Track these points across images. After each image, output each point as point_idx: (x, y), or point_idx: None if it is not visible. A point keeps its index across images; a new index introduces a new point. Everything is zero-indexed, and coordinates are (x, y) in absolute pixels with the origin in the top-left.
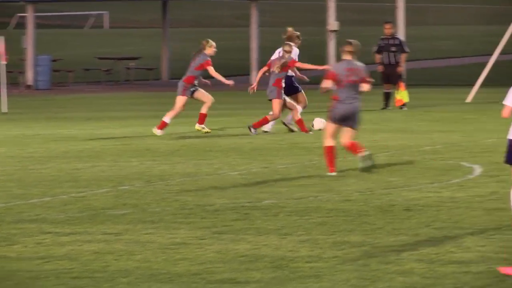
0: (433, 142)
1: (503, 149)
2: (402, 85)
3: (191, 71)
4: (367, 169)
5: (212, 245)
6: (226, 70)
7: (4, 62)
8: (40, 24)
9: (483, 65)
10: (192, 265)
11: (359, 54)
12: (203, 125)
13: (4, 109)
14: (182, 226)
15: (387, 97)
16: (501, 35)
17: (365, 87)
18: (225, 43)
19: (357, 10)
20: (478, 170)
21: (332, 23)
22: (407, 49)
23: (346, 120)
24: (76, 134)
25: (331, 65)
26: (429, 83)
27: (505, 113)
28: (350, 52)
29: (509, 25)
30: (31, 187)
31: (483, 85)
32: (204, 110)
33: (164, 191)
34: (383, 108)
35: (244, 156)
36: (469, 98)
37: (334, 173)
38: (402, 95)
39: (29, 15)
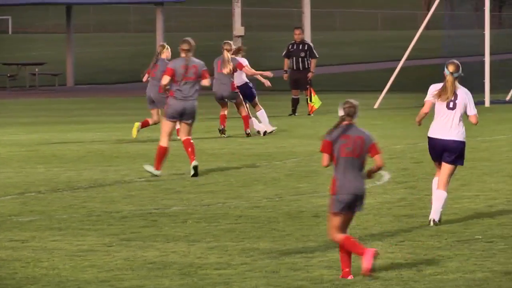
0: None
1: (411, 155)
2: (312, 90)
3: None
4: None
5: (120, 252)
6: (132, 75)
7: None
8: None
9: (391, 70)
10: (100, 272)
11: (196, 52)
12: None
13: None
14: (89, 233)
15: (295, 103)
16: (409, 40)
17: (205, 82)
18: (131, 48)
19: (264, 16)
20: (386, 176)
21: (238, 28)
22: (316, 55)
23: (183, 115)
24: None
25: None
26: (337, 88)
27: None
28: (186, 50)
29: (416, 30)
30: None
31: (390, 90)
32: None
33: (71, 198)
34: (291, 114)
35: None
36: (377, 104)
37: (159, 171)
38: (314, 100)
39: None
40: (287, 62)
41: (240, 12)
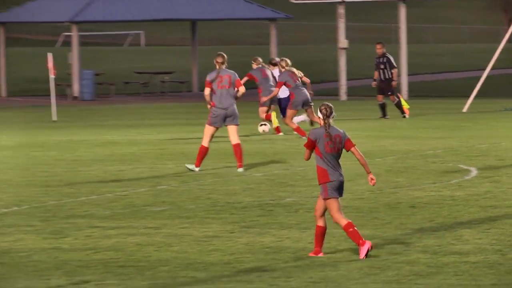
0: (434, 147)
1: (495, 153)
2: (398, 96)
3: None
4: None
5: (240, 238)
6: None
7: (53, 76)
8: (84, 42)
9: (477, 78)
10: (223, 255)
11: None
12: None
13: (54, 117)
14: (214, 221)
15: (382, 107)
16: (492, 52)
17: (241, 89)
18: (247, 59)
19: (364, 30)
20: (474, 172)
21: (343, 41)
22: (394, 65)
23: (227, 120)
24: (119, 140)
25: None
26: (429, 94)
27: None
28: (221, 63)
29: (499, 43)
30: (80, 186)
31: (477, 96)
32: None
33: (198, 190)
34: (382, 117)
35: (267, 158)
36: (465, 108)
37: (198, 168)
38: (404, 104)
39: (74, 34)
40: (376, 73)
41: (344, 27)
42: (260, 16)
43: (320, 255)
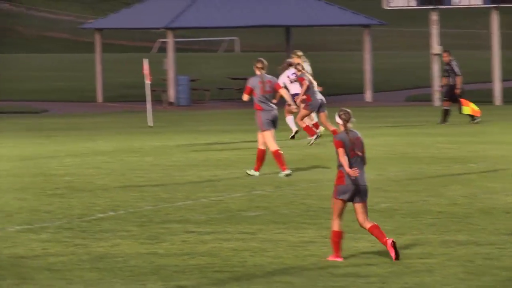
0: None
1: None
2: (462, 101)
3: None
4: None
5: None
6: (341, 88)
7: (149, 82)
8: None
9: None
10: (319, 260)
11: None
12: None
13: (150, 123)
14: (309, 227)
15: (445, 113)
16: None
17: (282, 92)
18: (341, 65)
19: (457, 36)
20: None
21: (435, 47)
22: (457, 73)
23: (274, 123)
24: (214, 145)
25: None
26: None
27: None
28: (260, 68)
29: None
30: (176, 191)
31: None
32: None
33: (292, 195)
34: (442, 123)
35: (378, 166)
36: None
37: (289, 171)
38: (470, 108)
39: (170, 40)
40: (443, 79)
41: (437, 33)
42: (354, 23)
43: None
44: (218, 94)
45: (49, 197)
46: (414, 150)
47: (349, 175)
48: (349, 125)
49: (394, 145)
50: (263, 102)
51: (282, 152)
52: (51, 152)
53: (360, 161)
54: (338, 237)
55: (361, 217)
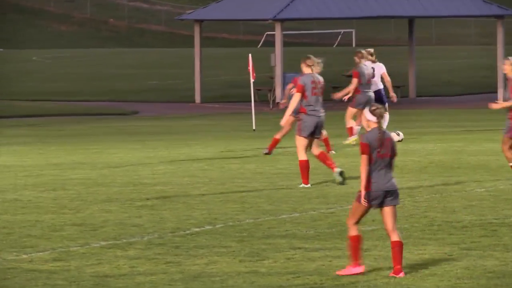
0: None
1: None
2: None
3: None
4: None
5: (460, 261)
6: (470, 88)
7: (253, 80)
8: (288, 42)
9: None
10: (440, 280)
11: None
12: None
13: (254, 126)
14: (430, 242)
15: None
16: None
17: (335, 95)
18: (470, 61)
19: None
20: None
21: None
22: None
23: (317, 132)
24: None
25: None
26: None
27: None
28: (311, 66)
29: None
30: (281, 203)
31: None
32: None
33: (412, 208)
34: None
35: (491, 173)
36: None
37: (307, 185)
38: None
39: (278, 33)
40: None
41: None
42: (485, 13)
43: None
44: (332, 93)
45: (138, 209)
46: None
47: (361, 198)
48: (383, 122)
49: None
50: (312, 105)
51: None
52: (141, 159)
53: (387, 164)
54: (358, 241)
55: (389, 223)
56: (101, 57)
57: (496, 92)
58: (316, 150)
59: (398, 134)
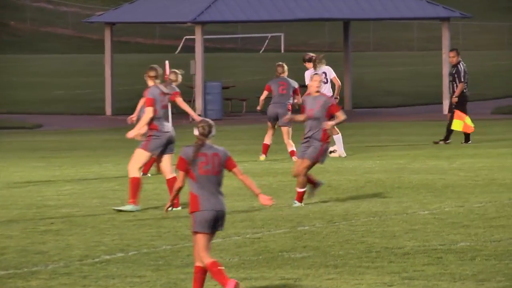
0: None
1: None
2: (457, 113)
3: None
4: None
5: None
6: (414, 97)
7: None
8: (210, 48)
9: None
10: None
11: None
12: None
13: None
14: (368, 271)
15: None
16: None
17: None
18: (413, 68)
19: None
20: None
21: None
22: (462, 79)
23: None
24: (253, 168)
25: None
26: None
27: None
28: (153, 78)
29: None
30: None
31: None
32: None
33: (348, 232)
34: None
35: (436, 193)
36: None
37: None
38: (454, 125)
39: (198, 37)
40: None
41: None
42: (429, 15)
43: None
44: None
45: (41, 234)
46: (504, 176)
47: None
48: (208, 139)
49: (479, 169)
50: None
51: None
52: (45, 178)
53: (214, 180)
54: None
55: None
56: (0, 64)
57: (441, 103)
58: (168, 173)
59: (335, 151)
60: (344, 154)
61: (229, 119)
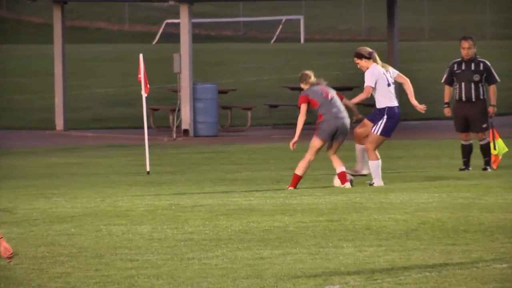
0: None
1: None
2: (496, 132)
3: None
4: None
5: None
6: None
7: (145, 94)
8: (201, 36)
9: None
10: None
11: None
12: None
13: (147, 167)
14: None
15: (466, 151)
16: None
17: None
18: None
19: None
20: None
21: None
22: (497, 79)
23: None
24: (257, 204)
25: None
26: None
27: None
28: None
29: None
30: (188, 285)
31: None
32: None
33: None
34: (463, 169)
35: None
36: None
37: None
38: (498, 148)
39: (184, 21)
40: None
41: None
42: None
43: None
44: (267, 115)
45: None
46: None
47: None
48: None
49: None
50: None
51: None
52: None
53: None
54: None
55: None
56: None
57: None
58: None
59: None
60: (381, 183)
61: (227, 136)
